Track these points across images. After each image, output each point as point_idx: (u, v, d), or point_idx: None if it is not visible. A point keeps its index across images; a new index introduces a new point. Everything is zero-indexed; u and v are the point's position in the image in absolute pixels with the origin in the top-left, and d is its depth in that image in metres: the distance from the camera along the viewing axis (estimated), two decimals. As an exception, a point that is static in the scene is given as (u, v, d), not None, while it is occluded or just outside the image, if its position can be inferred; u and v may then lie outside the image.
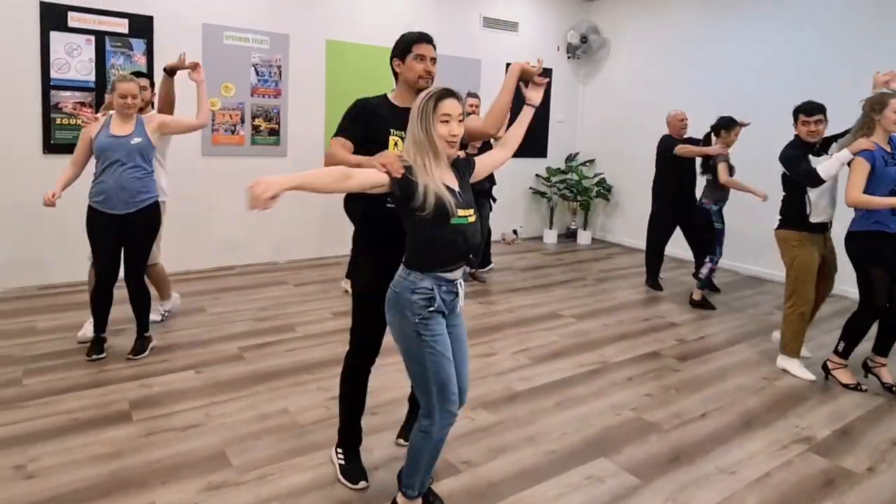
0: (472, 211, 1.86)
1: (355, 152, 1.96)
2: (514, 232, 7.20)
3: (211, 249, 5.14)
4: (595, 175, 7.31)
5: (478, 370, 3.28)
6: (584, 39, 7.07)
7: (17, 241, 4.34)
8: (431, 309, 1.79)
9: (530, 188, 7.28)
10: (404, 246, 1.85)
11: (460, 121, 1.81)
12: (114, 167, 3.06)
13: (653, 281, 5.24)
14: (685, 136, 5.00)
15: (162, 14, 4.62)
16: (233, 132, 5.08)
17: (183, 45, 4.69)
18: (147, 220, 3.20)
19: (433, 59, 2.08)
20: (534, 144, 7.25)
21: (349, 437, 2.27)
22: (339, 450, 2.28)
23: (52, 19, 4.21)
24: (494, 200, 5.06)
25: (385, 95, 2.14)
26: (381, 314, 1.91)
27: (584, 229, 7.32)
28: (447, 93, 1.80)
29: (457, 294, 1.87)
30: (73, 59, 4.32)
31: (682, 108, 5.07)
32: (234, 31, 4.95)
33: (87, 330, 3.49)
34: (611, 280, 5.51)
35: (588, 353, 3.65)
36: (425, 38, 2.09)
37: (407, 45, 2.07)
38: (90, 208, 3.12)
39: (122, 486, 2.14)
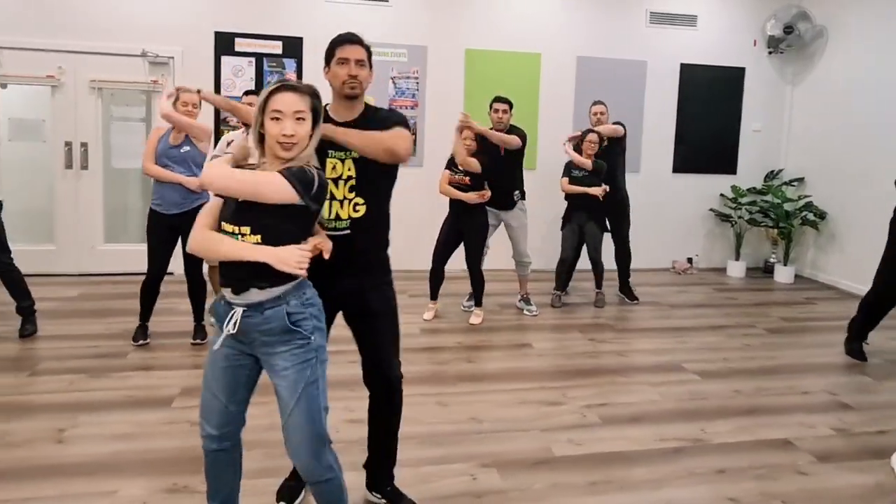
0: (246, 230, 1.56)
1: None
2: (689, 260, 6.16)
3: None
4: (801, 198, 5.84)
5: (524, 420, 2.79)
6: (788, 29, 5.69)
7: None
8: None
9: (711, 209, 6.14)
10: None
11: (299, 119, 1.58)
12: None
13: (851, 346, 3.81)
14: None
15: (310, 35, 5.03)
16: (370, 143, 5.28)
17: (329, 62, 5.08)
18: None
19: (359, 62, 1.83)
20: (719, 158, 6.10)
21: None
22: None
23: (224, 45, 4.89)
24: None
25: (325, 107, 1.89)
26: None
27: (785, 265, 5.90)
28: (287, 86, 1.60)
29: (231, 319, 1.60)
30: (238, 78, 4.96)
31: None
32: (374, 45, 5.08)
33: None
34: (790, 332, 4.29)
35: (686, 423, 2.84)
36: (348, 39, 1.85)
37: (330, 50, 1.87)
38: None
39: (113, 469, 2.29)
